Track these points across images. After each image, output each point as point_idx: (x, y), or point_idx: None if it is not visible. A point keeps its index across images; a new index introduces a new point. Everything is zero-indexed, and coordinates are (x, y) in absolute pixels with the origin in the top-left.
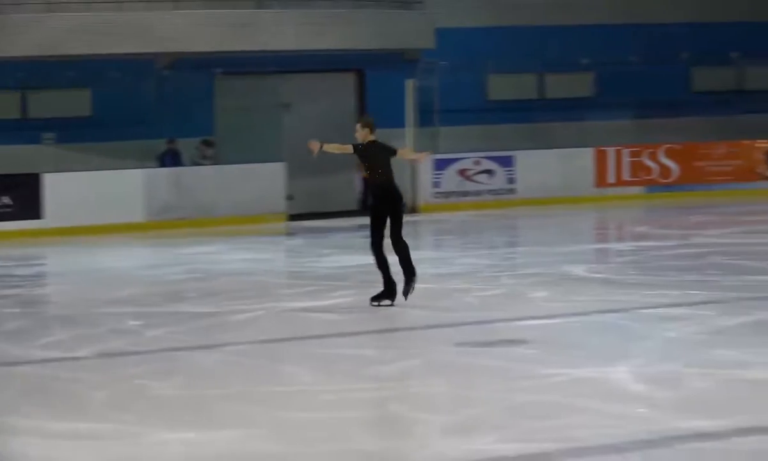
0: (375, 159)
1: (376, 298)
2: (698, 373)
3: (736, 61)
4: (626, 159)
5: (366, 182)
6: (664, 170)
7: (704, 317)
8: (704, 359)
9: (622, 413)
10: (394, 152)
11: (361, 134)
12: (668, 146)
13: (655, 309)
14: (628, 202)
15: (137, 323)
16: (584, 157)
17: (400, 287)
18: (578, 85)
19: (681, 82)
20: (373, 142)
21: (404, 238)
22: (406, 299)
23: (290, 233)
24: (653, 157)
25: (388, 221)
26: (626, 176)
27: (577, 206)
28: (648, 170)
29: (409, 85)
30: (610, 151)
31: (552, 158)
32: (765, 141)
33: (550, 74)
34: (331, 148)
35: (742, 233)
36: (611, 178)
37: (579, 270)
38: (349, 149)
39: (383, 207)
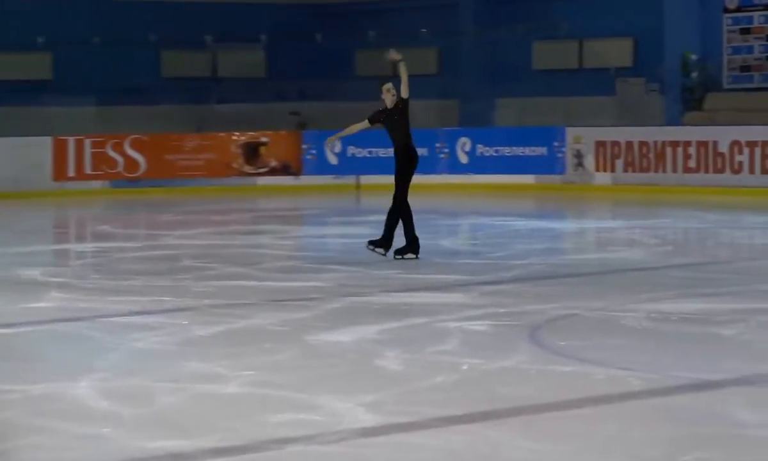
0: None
1: (400, 251)
2: (170, 387)
3: (210, 46)
4: (88, 150)
5: None
6: (131, 163)
7: (176, 326)
8: (176, 372)
9: (85, 433)
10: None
11: (389, 98)
12: (135, 136)
13: (121, 317)
14: (90, 198)
15: None
16: (40, 147)
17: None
18: (34, 66)
19: (149, 66)
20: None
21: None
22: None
23: None
24: (118, 148)
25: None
26: (88, 169)
27: (32, 201)
28: (112, 162)
29: None
30: (70, 141)
31: (3, 147)
32: (241, 133)
33: (0, 54)
34: (349, 131)
35: (216, 233)
36: (71, 171)
37: (34, 274)
38: (366, 124)
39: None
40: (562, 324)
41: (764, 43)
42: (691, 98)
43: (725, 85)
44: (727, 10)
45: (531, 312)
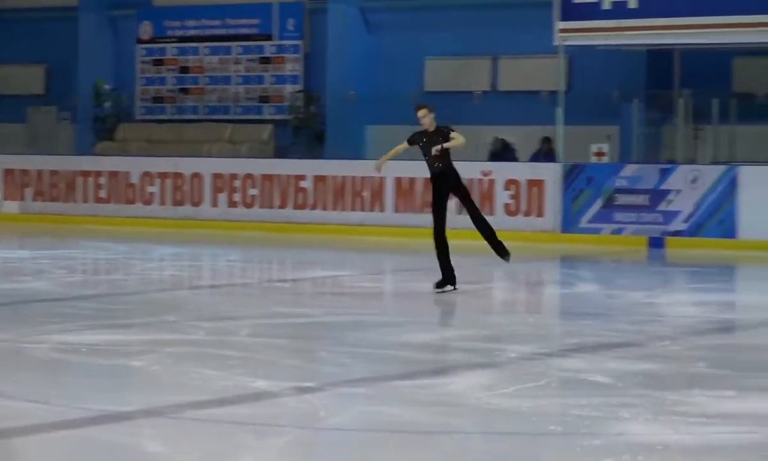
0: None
1: (439, 285)
2: None
3: None
4: None
5: None
6: None
7: None
8: None
9: None
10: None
11: (428, 120)
12: None
13: None
14: None
15: None
16: None
17: None
18: None
19: None
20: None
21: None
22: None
23: None
24: None
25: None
26: None
27: None
28: None
29: None
30: None
31: None
32: None
33: None
34: (390, 155)
35: None
36: None
37: None
38: (405, 145)
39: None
40: None
41: (177, 75)
42: (103, 128)
43: (138, 116)
44: (140, 41)
45: None
